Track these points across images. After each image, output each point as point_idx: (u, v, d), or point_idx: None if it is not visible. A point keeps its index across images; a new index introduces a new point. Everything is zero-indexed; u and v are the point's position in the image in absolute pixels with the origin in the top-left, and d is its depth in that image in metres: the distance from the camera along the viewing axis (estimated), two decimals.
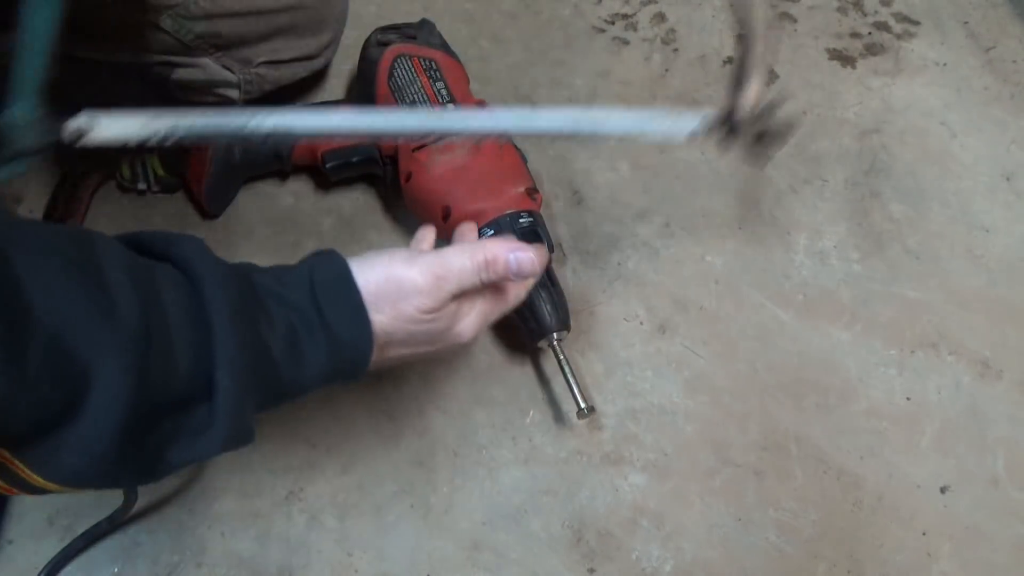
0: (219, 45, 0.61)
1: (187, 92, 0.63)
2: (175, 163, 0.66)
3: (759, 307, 0.66)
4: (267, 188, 0.70)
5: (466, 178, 0.60)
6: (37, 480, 0.33)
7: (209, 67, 0.62)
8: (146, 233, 0.40)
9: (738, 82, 0.41)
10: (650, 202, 0.70)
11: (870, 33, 0.80)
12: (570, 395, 0.57)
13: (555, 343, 0.58)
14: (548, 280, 0.59)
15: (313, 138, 0.43)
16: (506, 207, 0.60)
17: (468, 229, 0.55)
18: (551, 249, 0.61)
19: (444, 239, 0.62)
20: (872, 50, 0.79)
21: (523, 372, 0.63)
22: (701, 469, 0.60)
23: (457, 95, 0.63)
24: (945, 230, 0.70)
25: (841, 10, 0.82)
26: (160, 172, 0.66)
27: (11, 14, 0.37)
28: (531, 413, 0.62)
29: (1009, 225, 0.70)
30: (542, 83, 0.76)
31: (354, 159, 0.65)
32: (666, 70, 0.78)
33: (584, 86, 0.76)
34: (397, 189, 0.64)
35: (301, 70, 0.68)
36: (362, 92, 0.67)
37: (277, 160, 0.67)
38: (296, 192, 0.70)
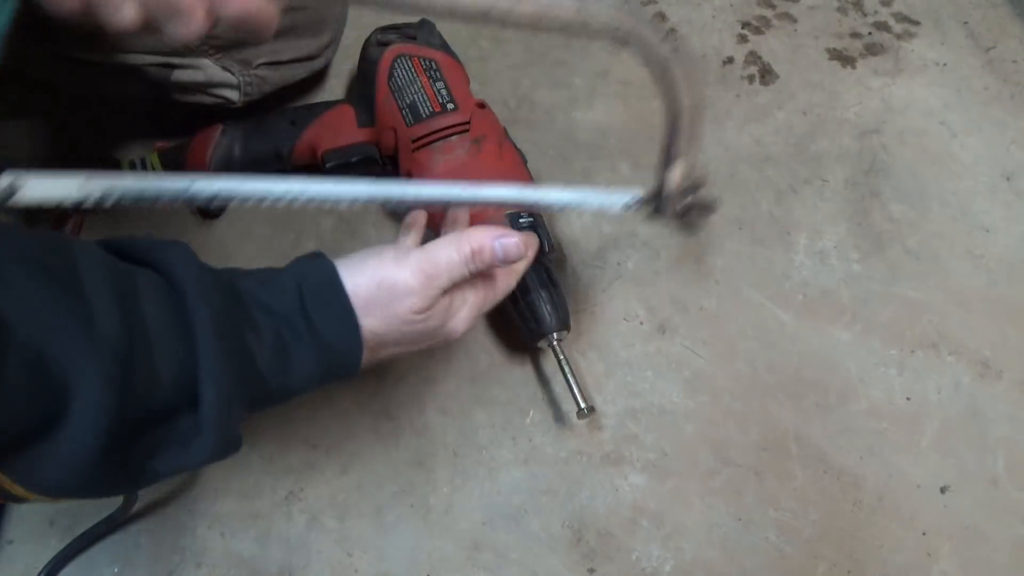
0: (219, 46, 0.61)
1: (186, 93, 0.63)
2: (175, 163, 0.66)
3: (759, 307, 0.66)
4: None
5: (466, 178, 0.60)
6: (18, 491, 0.33)
7: (209, 68, 0.62)
8: (129, 239, 0.39)
9: (665, 164, 0.45)
10: None
11: (870, 33, 0.80)
12: (570, 395, 0.57)
13: (555, 343, 0.58)
14: (548, 280, 0.60)
15: (257, 202, 0.43)
16: (506, 207, 0.60)
17: (460, 214, 0.54)
18: (551, 249, 0.62)
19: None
20: (872, 50, 0.79)
21: (523, 372, 0.63)
22: (701, 469, 0.60)
23: (457, 95, 0.63)
24: (945, 230, 0.70)
25: (841, 10, 0.82)
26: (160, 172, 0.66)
27: None
28: (531, 413, 0.62)
29: (1009, 225, 0.70)
30: (542, 83, 0.76)
31: (354, 159, 0.65)
32: None
33: (584, 86, 0.76)
34: None
35: (301, 71, 0.68)
36: (362, 92, 0.67)
37: (277, 160, 0.67)
38: None
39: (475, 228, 0.47)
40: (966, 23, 0.81)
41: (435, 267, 0.44)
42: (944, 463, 0.61)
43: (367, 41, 0.68)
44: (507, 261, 0.47)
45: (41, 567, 0.54)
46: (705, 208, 0.50)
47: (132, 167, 0.66)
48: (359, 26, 0.73)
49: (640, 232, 0.69)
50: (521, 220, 0.60)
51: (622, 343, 0.64)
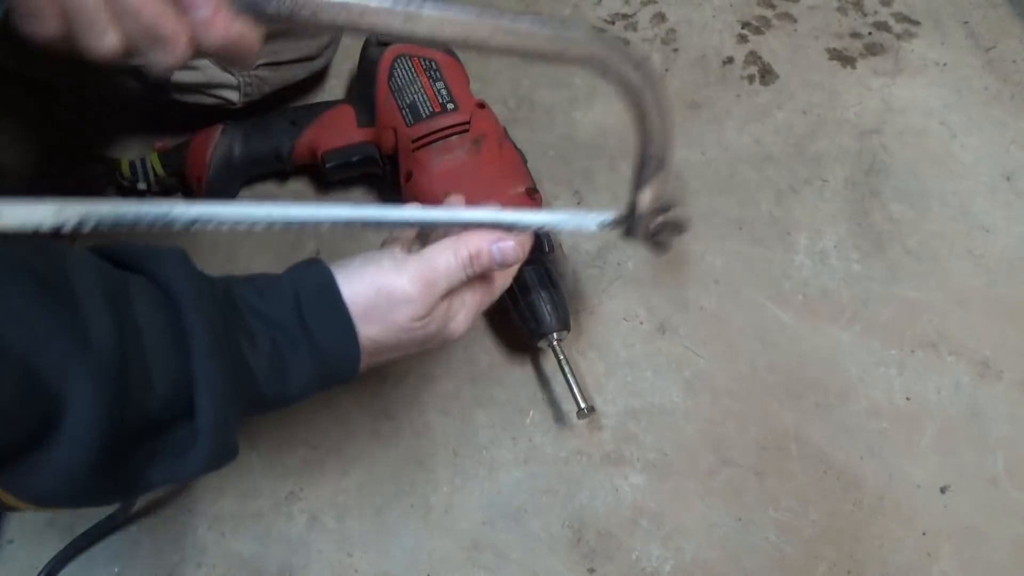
0: None
1: (186, 93, 0.63)
2: (175, 163, 0.66)
3: (759, 307, 0.66)
4: (267, 188, 0.70)
5: (466, 178, 0.60)
6: (10, 500, 0.32)
7: (208, 69, 0.62)
8: (124, 245, 0.39)
9: (636, 186, 0.47)
10: None
11: (870, 33, 0.80)
12: (570, 395, 0.57)
13: (555, 343, 0.58)
14: (548, 280, 0.60)
15: (234, 226, 0.43)
16: (506, 207, 0.60)
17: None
18: (551, 249, 0.62)
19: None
20: (872, 50, 0.79)
21: (523, 372, 0.63)
22: (701, 469, 0.60)
23: (457, 95, 0.63)
24: (945, 230, 0.70)
25: (841, 10, 0.82)
26: (160, 172, 0.66)
27: None
28: (531, 413, 0.62)
29: (1009, 225, 0.70)
30: (542, 83, 0.76)
31: (354, 159, 0.65)
32: (666, 70, 0.78)
33: (584, 86, 0.76)
34: (397, 189, 0.64)
35: (301, 71, 0.68)
36: (362, 92, 0.67)
37: (277, 160, 0.67)
38: (296, 192, 0.70)
39: (472, 232, 0.47)
40: (966, 23, 0.81)
41: (434, 273, 0.44)
42: (944, 463, 0.61)
43: (367, 41, 0.68)
44: (504, 265, 0.47)
45: (41, 567, 0.54)
46: (676, 228, 0.51)
47: (132, 167, 0.66)
48: None
49: None
50: None
51: (622, 343, 0.64)
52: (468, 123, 0.62)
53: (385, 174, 0.66)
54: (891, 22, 0.81)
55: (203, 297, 0.37)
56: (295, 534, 0.57)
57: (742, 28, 0.80)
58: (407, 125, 0.62)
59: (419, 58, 0.65)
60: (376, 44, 0.67)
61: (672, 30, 0.80)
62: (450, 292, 0.46)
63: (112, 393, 0.32)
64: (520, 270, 0.58)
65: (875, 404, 0.62)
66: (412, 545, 0.57)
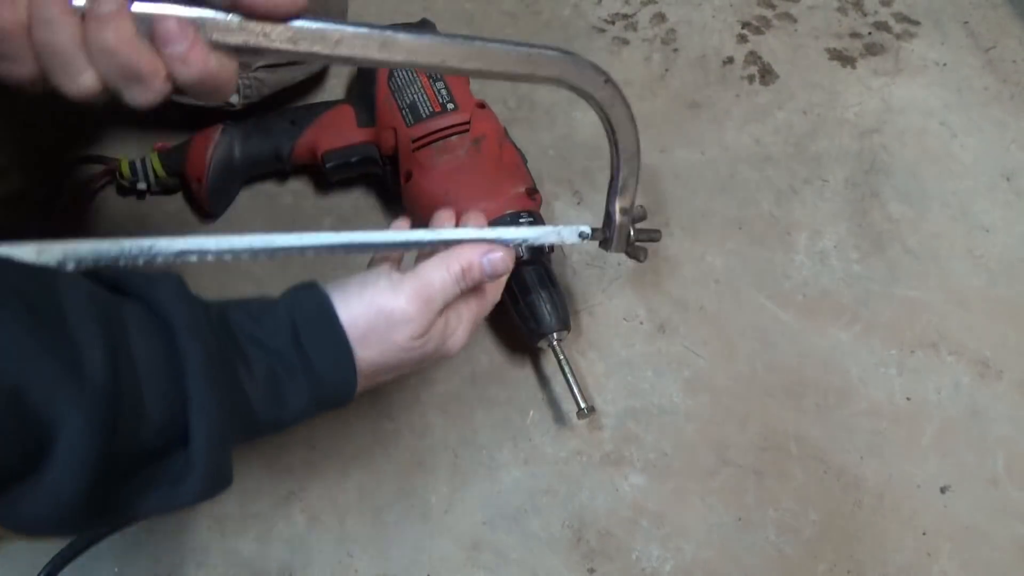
0: None
1: (184, 96, 0.63)
2: (175, 163, 0.66)
3: (759, 307, 0.66)
4: (267, 188, 0.70)
5: (466, 178, 0.60)
6: None
7: None
8: (117, 269, 0.38)
9: (610, 198, 0.51)
10: (650, 202, 0.70)
11: (870, 33, 0.80)
12: (570, 395, 0.57)
13: (555, 343, 0.58)
14: (548, 280, 0.60)
15: (219, 258, 0.44)
16: (506, 207, 0.60)
17: (447, 217, 0.54)
18: (551, 249, 0.62)
19: None
20: (872, 50, 0.79)
21: (523, 372, 0.63)
22: (701, 469, 0.60)
23: (457, 95, 0.63)
24: (945, 230, 0.70)
25: (841, 10, 0.82)
26: (160, 172, 0.66)
27: None
28: (531, 413, 0.62)
29: (1009, 225, 0.70)
30: None
31: (354, 159, 0.65)
32: (666, 70, 0.78)
33: None
34: (397, 189, 0.64)
35: (300, 73, 0.68)
36: (362, 92, 0.67)
37: (277, 160, 0.67)
38: (296, 192, 0.70)
39: (461, 246, 0.47)
40: (966, 23, 0.81)
41: (430, 290, 0.44)
42: (944, 463, 0.61)
43: None
44: (495, 275, 0.48)
45: (41, 567, 0.53)
46: (649, 237, 0.54)
47: (132, 167, 0.66)
48: None
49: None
50: (521, 220, 0.60)
51: (622, 343, 0.64)
52: (468, 123, 0.62)
53: (385, 174, 0.66)
54: (891, 22, 0.81)
55: (198, 323, 0.36)
56: (295, 534, 0.57)
57: (742, 28, 0.80)
58: (407, 125, 0.62)
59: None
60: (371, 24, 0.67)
61: (672, 30, 0.80)
62: (445, 307, 0.46)
63: (104, 421, 0.31)
64: (520, 270, 0.59)
65: (875, 404, 0.62)
66: (412, 545, 0.57)
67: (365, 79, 0.67)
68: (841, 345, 0.65)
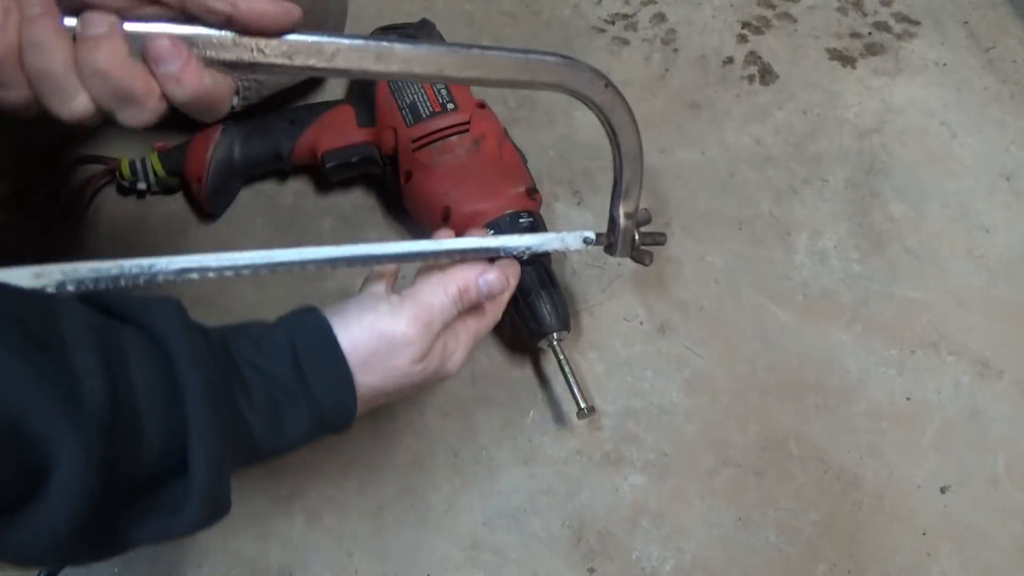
0: None
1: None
2: (175, 163, 0.66)
3: (759, 307, 0.66)
4: (267, 188, 0.70)
5: (466, 178, 0.60)
6: None
7: None
8: (115, 295, 0.37)
9: (614, 203, 0.51)
10: (650, 202, 0.70)
11: (870, 33, 0.80)
12: (570, 395, 0.57)
13: (555, 343, 0.58)
14: (548, 280, 0.60)
15: (220, 275, 0.44)
16: (506, 207, 0.60)
17: (445, 236, 0.53)
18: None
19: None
20: (872, 50, 0.79)
21: (523, 372, 0.63)
22: (701, 469, 0.60)
23: (457, 95, 0.63)
24: (945, 230, 0.70)
25: (841, 10, 0.82)
26: (160, 172, 0.66)
27: None
28: (531, 413, 0.62)
29: (1009, 225, 0.70)
30: None
31: (354, 159, 0.65)
32: (666, 70, 0.78)
33: None
34: (397, 189, 0.64)
35: (300, 74, 0.68)
36: (362, 93, 0.67)
37: (277, 160, 0.67)
38: (296, 192, 0.70)
39: (458, 267, 0.47)
40: (966, 23, 0.81)
41: (429, 314, 0.44)
42: (944, 463, 0.61)
43: None
44: (492, 296, 0.48)
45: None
46: (654, 242, 0.54)
47: (132, 167, 0.66)
48: (359, 26, 0.73)
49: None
50: (521, 220, 0.60)
51: (622, 343, 0.64)
52: (468, 123, 0.62)
53: (385, 174, 0.66)
54: (891, 22, 0.81)
55: (198, 350, 0.36)
56: (295, 534, 0.57)
57: (742, 28, 0.80)
58: (407, 125, 0.62)
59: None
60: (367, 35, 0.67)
61: (672, 30, 0.80)
62: (444, 328, 0.46)
63: (102, 451, 0.31)
64: (520, 270, 0.59)
65: (875, 404, 0.62)
66: (412, 545, 0.57)
67: (365, 80, 0.67)
68: (841, 345, 0.65)
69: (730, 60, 0.78)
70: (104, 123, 0.36)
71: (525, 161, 0.64)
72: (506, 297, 0.52)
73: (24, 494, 0.30)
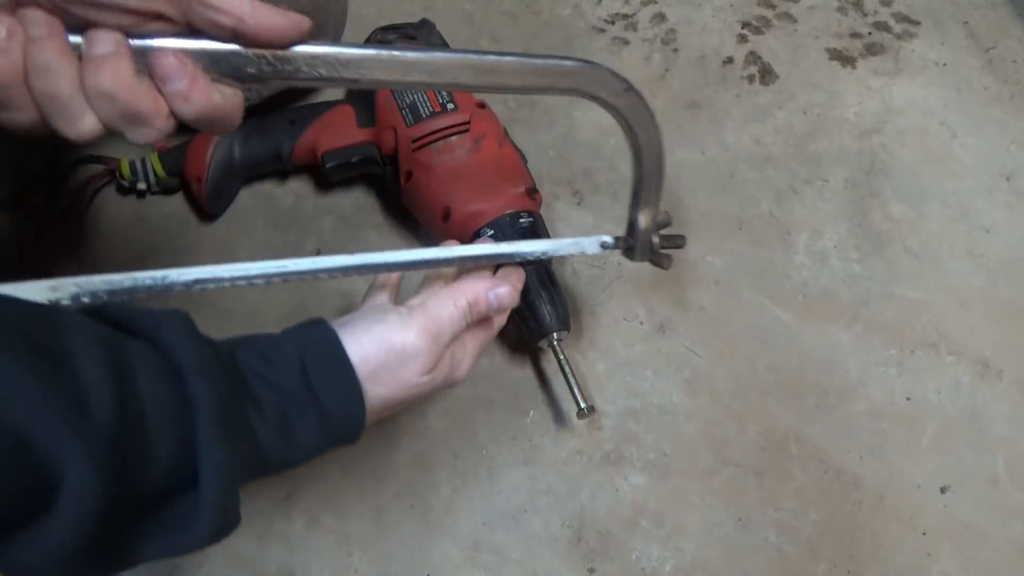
0: None
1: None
2: (175, 163, 0.66)
3: (759, 307, 0.66)
4: (267, 188, 0.70)
5: (466, 178, 0.60)
6: None
7: None
8: (123, 308, 0.37)
9: (634, 207, 0.50)
10: None
11: (870, 33, 0.80)
12: (570, 395, 0.57)
13: (555, 343, 0.58)
14: (548, 280, 0.60)
15: (233, 284, 0.44)
16: (506, 207, 0.60)
17: (435, 276, 0.53)
18: None
19: (443, 239, 0.62)
20: (872, 50, 0.79)
21: (523, 372, 0.63)
22: (701, 469, 0.60)
23: (456, 95, 0.63)
24: (945, 230, 0.70)
25: (841, 10, 0.82)
26: (160, 172, 0.66)
27: None
28: (531, 413, 0.62)
29: (1009, 225, 0.70)
30: None
31: (354, 159, 0.65)
32: (666, 70, 0.78)
33: None
34: (397, 189, 0.64)
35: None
36: (362, 93, 0.67)
37: (277, 160, 0.67)
38: (296, 192, 0.70)
39: (468, 280, 0.47)
40: (966, 23, 0.81)
41: (439, 326, 0.44)
42: (944, 463, 0.61)
43: (367, 41, 0.68)
44: (501, 310, 0.48)
45: None
46: (673, 245, 0.54)
47: (132, 167, 0.66)
48: (359, 26, 0.73)
49: None
50: (521, 220, 0.60)
51: (622, 343, 0.64)
52: (468, 123, 0.62)
53: (385, 174, 0.66)
54: (891, 22, 0.81)
55: (207, 364, 0.35)
56: (295, 534, 0.57)
57: (742, 28, 0.80)
58: (407, 125, 0.62)
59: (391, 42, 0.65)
60: (376, 44, 0.67)
61: (672, 30, 0.80)
62: (452, 340, 0.46)
63: (110, 465, 0.31)
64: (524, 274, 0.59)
65: (875, 404, 0.62)
66: (412, 545, 0.57)
67: None
68: (841, 345, 0.65)
69: (730, 60, 0.78)
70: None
71: (525, 161, 0.64)
72: (510, 307, 0.52)
73: (33, 508, 0.29)
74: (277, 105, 0.69)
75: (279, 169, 0.68)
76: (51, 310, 0.33)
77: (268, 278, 0.44)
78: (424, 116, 0.62)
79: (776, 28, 0.80)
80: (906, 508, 0.59)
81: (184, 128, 0.37)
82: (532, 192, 0.62)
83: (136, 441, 0.32)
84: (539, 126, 0.74)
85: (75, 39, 0.33)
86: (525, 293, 0.58)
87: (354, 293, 0.65)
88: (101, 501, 0.30)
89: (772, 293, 0.67)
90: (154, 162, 0.66)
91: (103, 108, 0.34)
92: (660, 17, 0.81)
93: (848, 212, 0.70)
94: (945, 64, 0.78)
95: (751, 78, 0.77)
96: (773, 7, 0.82)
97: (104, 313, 0.36)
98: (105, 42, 0.33)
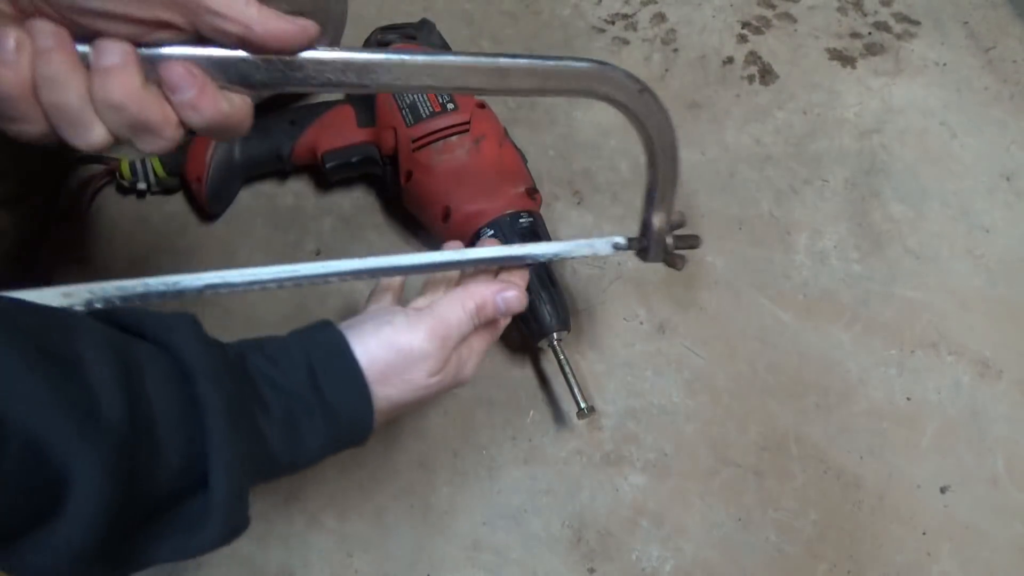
0: None
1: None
2: (175, 163, 0.66)
3: (759, 307, 0.66)
4: (267, 188, 0.70)
5: (466, 178, 0.60)
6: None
7: None
8: (131, 311, 0.37)
9: (648, 208, 0.49)
10: None
11: (870, 33, 0.80)
12: (570, 395, 0.57)
13: (555, 343, 0.58)
14: (548, 280, 0.60)
15: (247, 289, 0.44)
16: (506, 207, 0.60)
17: (439, 279, 0.53)
18: None
19: (443, 239, 0.62)
20: (872, 50, 0.79)
21: (523, 372, 0.63)
22: (701, 469, 0.60)
23: (457, 96, 0.63)
24: (945, 230, 0.70)
25: (841, 10, 0.82)
26: (160, 173, 0.66)
27: None
28: (531, 413, 0.62)
29: (1009, 225, 0.70)
30: None
31: (354, 159, 0.65)
32: (666, 70, 0.78)
33: None
34: (397, 189, 0.64)
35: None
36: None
37: (277, 160, 0.67)
38: (296, 192, 0.70)
39: (476, 283, 0.47)
40: (966, 23, 0.81)
41: (447, 329, 0.45)
42: (944, 463, 0.61)
43: (367, 41, 0.68)
44: (508, 313, 0.48)
45: None
46: (688, 246, 0.54)
47: (132, 167, 0.66)
48: (359, 26, 0.73)
49: None
50: (521, 220, 0.60)
51: (622, 343, 0.64)
52: (468, 123, 0.62)
53: (385, 174, 0.66)
54: (891, 22, 0.81)
55: (216, 367, 0.35)
56: (295, 534, 0.57)
57: (742, 28, 0.80)
58: (407, 125, 0.62)
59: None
60: (376, 44, 0.67)
61: (672, 30, 0.80)
62: (459, 343, 0.46)
63: (120, 468, 0.31)
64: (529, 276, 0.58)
65: (875, 404, 0.62)
66: (412, 545, 0.57)
67: None
68: (841, 345, 0.65)
69: (730, 60, 0.78)
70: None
71: (525, 161, 0.64)
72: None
73: (42, 510, 0.29)
74: (277, 105, 0.68)
75: (279, 169, 0.68)
76: (61, 313, 0.33)
77: (280, 282, 0.44)
78: (424, 116, 0.62)
79: (776, 28, 0.80)
80: (906, 508, 0.59)
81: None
82: (532, 192, 0.62)
83: (146, 443, 0.32)
84: (539, 126, 0.74)
85: (83, 48, 0.33)
86: None
87: (354, 293, 0.65)
88: (110, 503, 0.30)
89: (772, 293, 0.67)
90: (154, 162, 0.66)
91: (112, 119, 0.34)
92: (660, 17, 0.81)
93: (848, 212, 0.70)
94: (945, 64, 0.79)
95: (751, 78, 0.77)
96: (773, 7, 0.82)
97: (113, 316, 0.36)
98: (113, 52, 0.33)
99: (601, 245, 0.52)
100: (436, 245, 0.53)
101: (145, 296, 0.41)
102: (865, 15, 0.81)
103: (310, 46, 0.36)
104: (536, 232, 0.60)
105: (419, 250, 0.67)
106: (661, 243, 0.52)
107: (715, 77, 0.77)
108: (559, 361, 0.58)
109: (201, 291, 0.42)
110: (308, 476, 0.59)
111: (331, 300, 0.65)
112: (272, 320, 0.64)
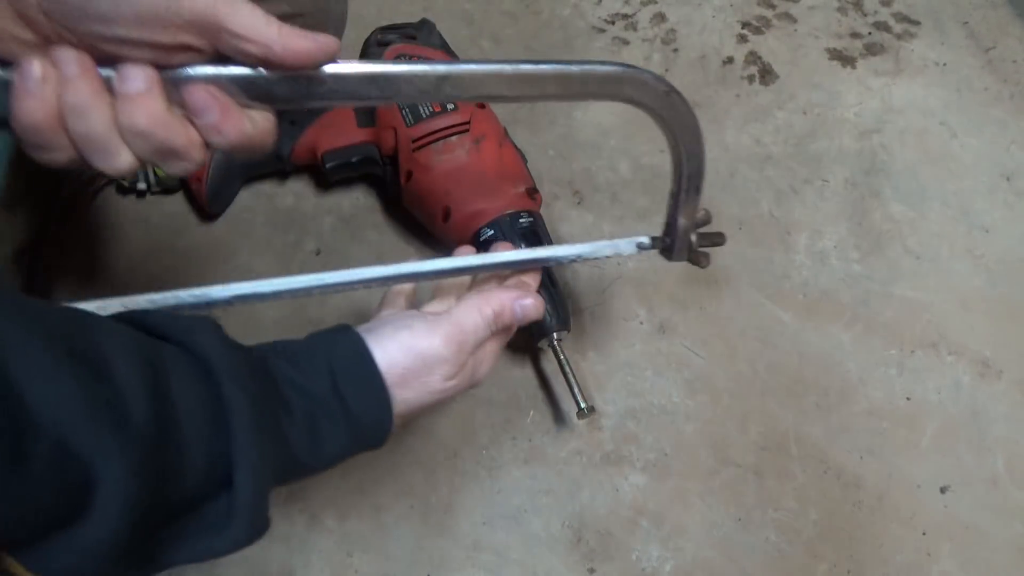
0: None
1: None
2: None
3: (759, 307, 0.66)
4: (267, 188, 0.70)
5: (466, 178, 0.60)
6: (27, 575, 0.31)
7: None
8: (154, 313, 0.37)
9: (673, 207, 0.49)
10: (650, 202, 0.70)
11: (870, 33, 0.80)
12: (570, 395, 0.57)
13: (555, 343, 0.58)
14: (548, 280, 0.60)
15: (274, 298, 0.46)
16: (506, 207, 0.60)
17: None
18: None
19: (443, 239, 0.62)
20: (872, 50, 0.79)
21: (523, 372, 0.63)
22: (701, 469, 0.60)
23: None
24: (945, 230, 0.70)
25: (841, 10, 0.82)
26: (161, 173, 0.66)
27: None
28: (531, 413, 0.62)
29: (1009, 225, 0.70)
30: None
31: (354, 159, 0.65)
32: (666, 70, 0.78)
33: None
34: (397, 189, 0.64)
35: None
36: None
37: (277, 160, 0.67)
38: (296, 192, 0.70)
39: (494, 290, 0.48)
40: (966, 23, 0.81)
41: (464, 334, 0.45)
42: (944, 463, 0.61)
43: (367, 41, 0.68)
44: (525, 321, 0.48)
45: None
46: (712, 244, 0.54)
47: None
48: (359, 26, 0.73)
49: (640, 232, 0.68)
50: (521, 220, 0.60)
51: (622, 343, 0.64)
52: (468, 123, 0.62)
53: (385, 174, 0.66)
54: (891, 22, 0.81)
55: (240, 369, 0.36)
56: (295, 534, 0.57)
57: (742, 28, 0.80)
58: (407, 125, 0.62)
59: (418, 58, 0.65)
60: (376, 44, 0.67)
61: (672, 30, 0.80)
62: (475, 347, 0.47)
63: (145, 469, 0.31)
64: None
65: (875, 404, 0.62)
66: (412, 545, 0.57)
67: None
68: (841, 345, 0.65)
69: (730, 60, 0.78)
70: None
71: (525, 161, 0.64)
72: None
73: (69, 511, 0.30)
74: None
75: (279, 169, 0.68)
76: (87, 315, 0.33)
77: (308, 291, 0.45)
78: (424, 116, 0.62)
79: (776, 28, 0.80)
80: (906, 508, 0.59)
81: None
82: (532, 192, 0.62)
83: (171, 444, 0.32)
84: (539, 126, 0.74)
85: (106, 72, 0.33)
86: None
87: (354, 293, 0.65)
88: (136, 504, 0.30)
89: (772, 293, 0.67)
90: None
91: (138, 145, 0.34)
92: (660, 17, 0.81)
93: (848, 212, 0.70)
94: (945, 64, 0.79)
95: (751, 78, 0.77)
96: (773, 7, 0.82)
97: (137, 319, 0.36)
98: (137, 79, 0.34)
99: (624, 245, 0.52)
100: (436, 245, 0.53)
101: (177, 308, 0.42)
102: (865, 15, 0.81)
103: (330, 61, 0.36)
104: (536, 232, 0.60)
105: (419, 250, 0.67)
106: (686, 241, 0.51)
107: (715, 77, 0.77)
108: (559, 361, 0.58)
109: (231, 302, 0.43)
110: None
111: (332, 300, 0.65)
112: (271, 319, 0.64)
